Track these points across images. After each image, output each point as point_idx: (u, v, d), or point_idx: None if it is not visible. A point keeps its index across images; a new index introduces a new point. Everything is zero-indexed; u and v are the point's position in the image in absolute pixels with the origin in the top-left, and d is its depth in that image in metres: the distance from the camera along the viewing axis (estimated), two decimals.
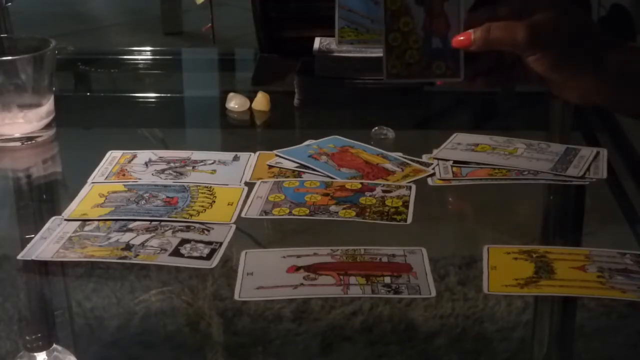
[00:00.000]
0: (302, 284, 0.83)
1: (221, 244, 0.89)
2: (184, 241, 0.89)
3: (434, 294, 0.82)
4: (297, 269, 0.85)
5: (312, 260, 0.86)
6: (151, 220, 0.93)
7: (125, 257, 0.87)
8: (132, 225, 0.92)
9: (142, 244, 0.89)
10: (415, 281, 0.83)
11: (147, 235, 0.90)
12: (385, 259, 0.86)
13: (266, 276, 0.84)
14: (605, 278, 0.82)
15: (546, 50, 0.88)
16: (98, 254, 0.87)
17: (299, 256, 0.87)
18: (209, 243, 0.89)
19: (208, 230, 0.91)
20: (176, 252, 0.87)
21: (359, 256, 0.87)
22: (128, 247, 0.88)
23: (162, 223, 0.92)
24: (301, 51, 1.33)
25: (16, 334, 0.83)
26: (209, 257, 0.86)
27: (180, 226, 0.92)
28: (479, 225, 1.03)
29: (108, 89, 1.44)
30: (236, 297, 0.82)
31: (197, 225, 0.92)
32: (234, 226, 0.92)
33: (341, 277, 0.83)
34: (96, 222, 0.93)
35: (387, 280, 0.83)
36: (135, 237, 0.90)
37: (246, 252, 0.88)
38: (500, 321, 0.85)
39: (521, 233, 0.96)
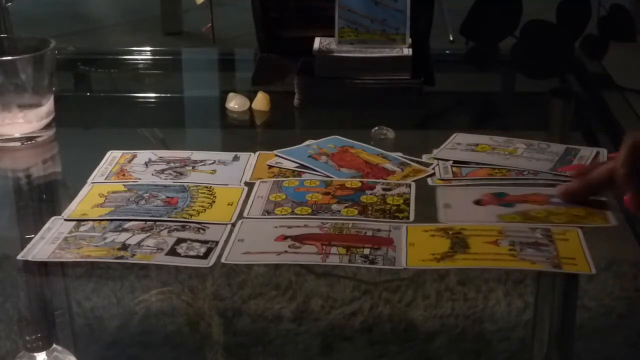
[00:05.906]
0: (285, 252, 0.86)
1: (217, 242, 0.89)
2: (180, 240, 0.89)
3: (405, 265, 0.85)
4: (285, 238, 0.88)
5: (301, 231, 0.90)
6: (146, 220, 0.93)
7: (121, 257, 0.87)
8: (127, 225, 0.92)
9: (138, 244, 0.88)
10: (393, 254, 0.86)
11: (143, 235, 0.90)
12: (370, 233, 0.89)
13: (255, 243, 0.88)
14: (517, 251, 0.86)
15: None
16: (94, 254, 0.87)
17: (289, 227, 0.90)
18: (205, 242, 0.89)
19: (204, 230, 0.91)
20: (172, 252, 0.87)
21: (345, 229, 0.90)
22: (124, 247, 0.88)
23: (157, 223, 0.92)
24: (301, 51, 1.33)
25: (16, 334, 0.82)
26: (205, 255, 0.86)
27: (175, 225, 0.92)
28: None
29: (108, 89, 1.44)
30: (223, 260, 0.85)
31: (192, 225, 0.92)
32: (229, 225, 0.92)
33: (324, 247, 0.87)
34: (91, 223, 0.93)
35: (367, 251, 0.86)
36: (131, 237, 0.90)
37: (242, 222, 0.91)
38: (500, 321, 0.85)
39: None
